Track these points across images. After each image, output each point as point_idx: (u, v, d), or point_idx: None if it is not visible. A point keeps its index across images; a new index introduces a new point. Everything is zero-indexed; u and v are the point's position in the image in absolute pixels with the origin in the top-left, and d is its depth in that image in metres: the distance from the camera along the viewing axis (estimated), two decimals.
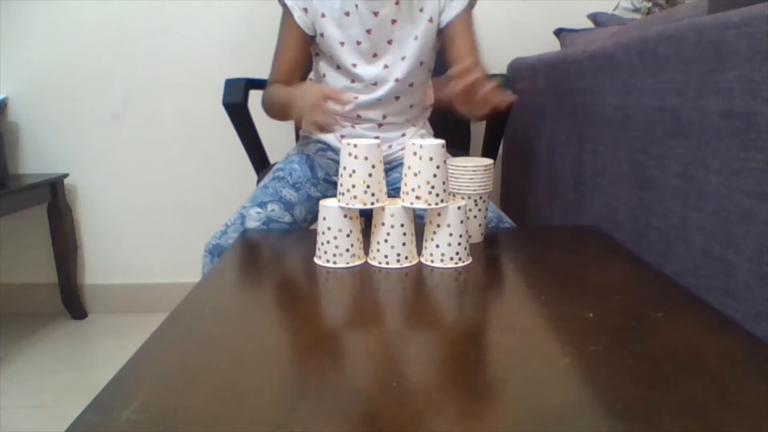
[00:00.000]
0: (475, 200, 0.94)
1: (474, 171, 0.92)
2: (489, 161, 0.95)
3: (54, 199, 1.79)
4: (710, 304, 0.73)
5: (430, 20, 1.19)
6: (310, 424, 0.47)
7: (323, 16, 1.15)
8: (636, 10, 1.51)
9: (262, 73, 1.59)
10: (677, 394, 0.51)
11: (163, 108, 1.84)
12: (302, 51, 1.21)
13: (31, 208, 1.80)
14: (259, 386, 0.54)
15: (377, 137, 1.24)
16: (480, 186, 0.93)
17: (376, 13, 1.15)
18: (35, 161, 1.86)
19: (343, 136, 1.26)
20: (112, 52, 1.80)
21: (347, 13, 1.15)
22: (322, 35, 1.17)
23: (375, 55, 1.19)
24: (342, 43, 1.17)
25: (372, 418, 0.48)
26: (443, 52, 1.23)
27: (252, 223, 1.10)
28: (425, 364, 0.58)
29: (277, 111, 1.18)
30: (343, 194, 0.85)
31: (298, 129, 1.53)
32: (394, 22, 1.17)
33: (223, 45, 1.80)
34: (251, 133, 1.40)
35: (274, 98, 1.17)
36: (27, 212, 1.82)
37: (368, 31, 1.16)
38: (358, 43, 1.17)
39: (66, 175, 1.84)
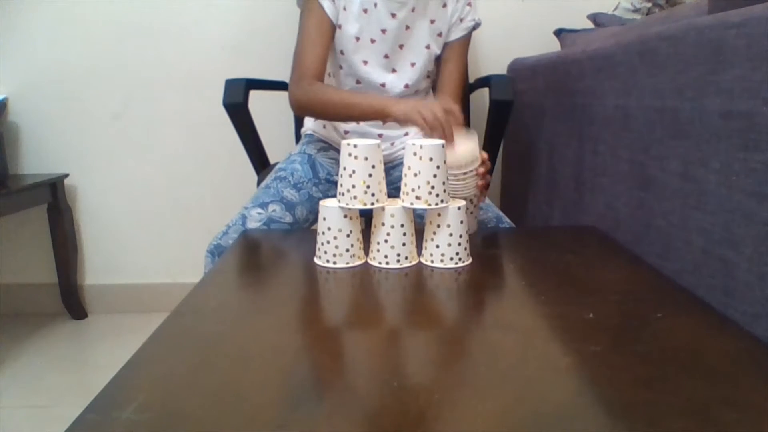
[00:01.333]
0: (471, 199, 0.97)
1: (465, 174, 0.93)
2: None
3: (54, 199, 1.79)
4: (710, 304, 0.73)
5: (439, 35, 1.22)
6: (310, 424, 0.47)
7: (344, 9, 1.17)
8: (636, 10, 1.51)
9: (262, 73, 1.60)
10: (677, 394, 0.51)
11: (163, 108, 1.84)
12: (330, 41, 1.19)
13: (31, 208, 1.80)
14: (259, 386, 0.54)
15: (380, 134, 1.25)
16: (473, 188, 0.95)
17: (393, 15, 1.17)
18: (35, 161, 1.86)
19: (347, 132, 1.27)
20: (112, 52, 1.80)
21: (365, 11, 1.16)
22: (339, 27, 1.18)
23: (386, 57, 1.20)
24: (357, 38, 1.18)
25: (372, 418, 0.48)
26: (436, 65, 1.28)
27: (253, 224, 1.10)
28: (425, 364, 0.58)
29: (345, 113, 1.13)
30: (343, 194, 0.85)
31: (299, 129, 1.53)
32: (408, 28, 1.19)
33: (223, 45, 1.80)
34: (251, 133, 1.40)
35: (341, 100, 1.13)
36: (27, 212, 1.82)
37: (383, 31, 1.18)
38: (372, 41, 1.18)
39: (66, 175, 1.84)
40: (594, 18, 1.53)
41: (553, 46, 1.66)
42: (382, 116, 1.06)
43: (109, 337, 1.78)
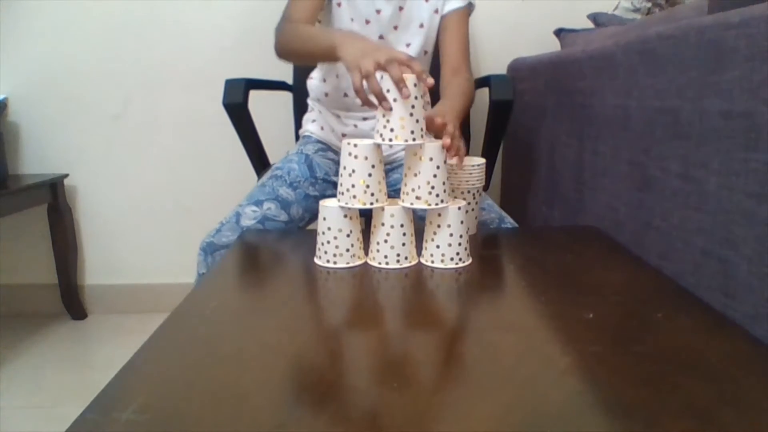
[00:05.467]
0: (473, 194, 0.98)
1: (472, 167, 0.96)
2: (482, 160, 0.99)
3: (54, 199, 1.79)
4: (710, 304, 0.73)
5: (436, 11, 1.22)
6: (310, 424, 0.47)
7: None
8: (636, 10, 1.51)
9: (263, 73, 1.60)
10: (677, 394, 0.51)
11: (163, 108, 1.84)
12: (321, 4, 1.16)
13: (31, 209, 1.80)
14: (259, 386, 0.54)
15: None
16: (478, 181, 0.97)
17: None
18: (35, 161, 1.86)
19: (344, 135, 1.27)
20: (112, 52, 1.80)
21: None
22: (339, 5, 1.18)
23: (381, 37, 1.21)
24: (352, 19, 1.19)
25: (372, 419, 0.48)
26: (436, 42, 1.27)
27: (247, 222, 1.10)
28: (425, 364, 0.58)
29: (305, 45, 1.07)
30: (342, 194, 0.85)
31: (298, 129, 1.53)
32: (401, 9, 1.19)
33: (223, 45, 1.80)
34: (251, 133, 1.40)
35: (307, 32, 1.07)
36: (27, 212, 1.82)
37: (378, 11, 1.18)
38: (367, 21, 1.19)
39: (66, 175, 1.84)
40: (594, 18, 1.53)
41: (553, 45, 1.66)
42: (332, 56, 0.96)
43: (109, 337, 1.78)
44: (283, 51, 1.15)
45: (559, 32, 1.61)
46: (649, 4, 1.49)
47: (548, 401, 0.51)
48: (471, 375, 0.55)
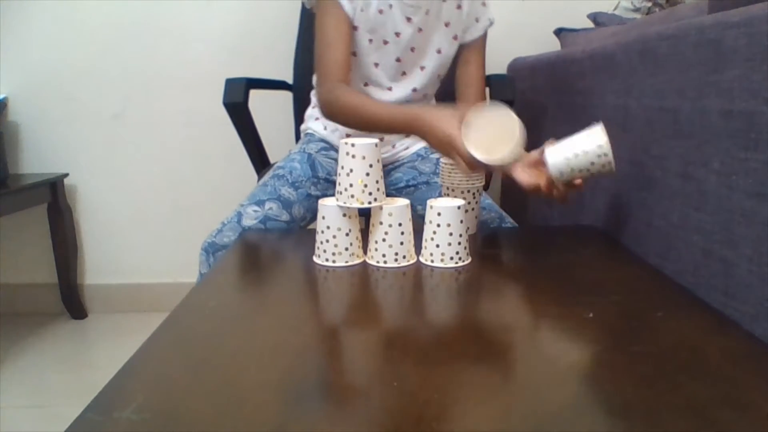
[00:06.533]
0: (473, 193, 0.98)
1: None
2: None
3: (54, 199, 1.79)
4: (710, 304, 0.73)
5: (455, 37, 1.20)
6: (310, 424, 0.47)
7: (361, 10, 1.13)
8: (636, 9, 1.51)
9: (262, 73, 1.60)
10: (677, 394, 0.51)
11: (163, 108, 1.84)
12: (350, 40, 1.14)
13: (31, 208, 1.80)
14: (259, 386, 0.54)
15: (381, 138, 1.25)
16: (478, 180, 0.98)
17: (409, 19, 1.14)
18: (35, 161, 1.86)
19: (348, 135, 1.26)
20: (112, 52, 1.80)
21: (381, 11, 1.14)
22: (356, 28, 1.15)
23: (398, 60, 1.18)
24: (370, 40, 1.16)
25: (372, 418, 0.48)
26: (453, 66, 1.25)
27: (249, 221, 1.10)
28: (425, 364, 0.58)
29: (370, 127, 1.09)
30: (341, 193, 0.85)
31: (299, 128, 1.53)
32: (420, 30, 1.17)
33: (223, 45, 1.80)
34: (251, 133, 1.40)
35: (367, 115, 1.07)
36: (27, 212, 1.82)
37: (397, 34, 1.16)
38: (385, 42, 1.16)
39: (66, 175, 1.84)
40: (594, 17, 1.53)
41: (553, 45, 1.66)
42: (409, 131, 1.01)
43: (109, 337, 1.78)
44: (337, 119, 1.15)
45: (559, 32, 1.61)
46: (649, 4, 1.49)
47: (548, 401, 0.51)
48: (471, 375, 0.55)
